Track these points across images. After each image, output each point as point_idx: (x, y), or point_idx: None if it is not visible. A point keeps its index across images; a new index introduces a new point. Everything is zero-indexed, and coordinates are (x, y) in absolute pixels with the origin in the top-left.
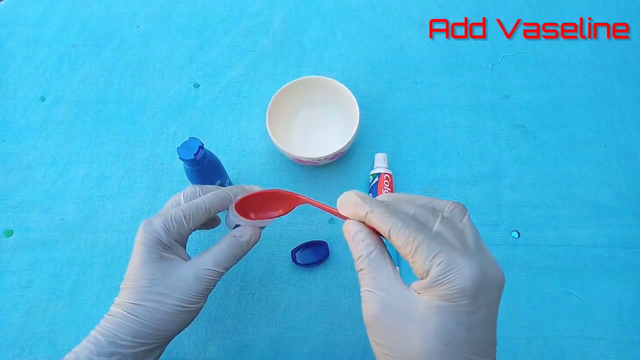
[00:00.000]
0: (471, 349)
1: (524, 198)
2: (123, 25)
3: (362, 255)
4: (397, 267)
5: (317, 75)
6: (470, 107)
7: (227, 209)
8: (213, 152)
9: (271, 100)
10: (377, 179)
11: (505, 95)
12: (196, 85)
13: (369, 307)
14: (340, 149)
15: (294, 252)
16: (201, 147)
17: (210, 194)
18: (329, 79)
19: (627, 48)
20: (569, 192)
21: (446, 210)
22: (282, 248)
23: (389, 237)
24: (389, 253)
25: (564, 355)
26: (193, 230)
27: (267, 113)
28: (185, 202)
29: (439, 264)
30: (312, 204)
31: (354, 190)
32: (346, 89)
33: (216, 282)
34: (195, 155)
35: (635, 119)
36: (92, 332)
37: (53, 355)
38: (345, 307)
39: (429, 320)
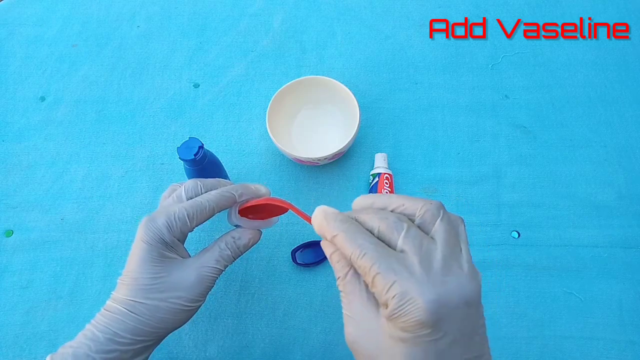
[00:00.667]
0: None
1: (524, 198)
2: (123, 25)
3: (339, 277)
4: None
5: (317, 75)
6: (470, 107)
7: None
8: (213, 152)
9: (271, 100)
10: (377, 179)
11: (505, 95)
12: (196, 85)
13: (346, 331)
14: (340, 149)
15: (294, 252)
16: (201, 147)
17: (215, 193)
18: (329, 79)
19: (627, 48)
20: (569, 192)
21: (417, 214)
22: (282, 248)
23: (354, 262)
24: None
25: (564, 355)
26: (194, 228)
27: (267, 113)
28: (187, 197)
29: (393, 296)
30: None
31: (322, 207)
32: (346, 88)
33: (216, 280)
34: (195, 155)
35: (635, 119)
36: (88, 327)
37: None
38: None
39: (394, 350)
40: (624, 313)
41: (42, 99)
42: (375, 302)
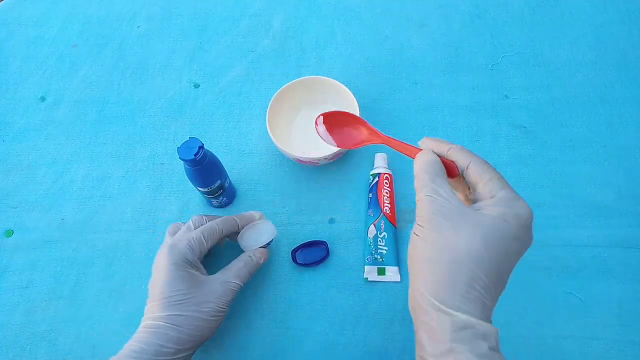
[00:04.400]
0: (499, 268)
1: (523, 198)
2: (123, 25)
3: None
4: (397, 267)
5: (317, 75)
6: (470, 107)
7: (237, 235)
8: (213, 152)
9: (271, 100)
10: (377, 179)
11: (505, 95)
12: (196, 86)
13: (427, 208)
14: (340, 149)
15: (294, 252)
16: (201, 147)
17: (220, 218)
18: (329, 79)
19: (627, 48)
20: (569, 192)
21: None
22: (282, 248)
23: (466, 169)
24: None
25: (563, 355)
26: (209, 250)
27: (267, 113)
28: (195, 227)
29: (506, 193)
30: (390, 145)
31: (434, 139)
32: (346, 89)
33: (237, 293)
34: (195, 155)
35: (635, 119)
36: (132, 343)
37: (53, 356)
38: (345, 307)
39: (483, 225)
40: (624, 313)
41: (42, 99)
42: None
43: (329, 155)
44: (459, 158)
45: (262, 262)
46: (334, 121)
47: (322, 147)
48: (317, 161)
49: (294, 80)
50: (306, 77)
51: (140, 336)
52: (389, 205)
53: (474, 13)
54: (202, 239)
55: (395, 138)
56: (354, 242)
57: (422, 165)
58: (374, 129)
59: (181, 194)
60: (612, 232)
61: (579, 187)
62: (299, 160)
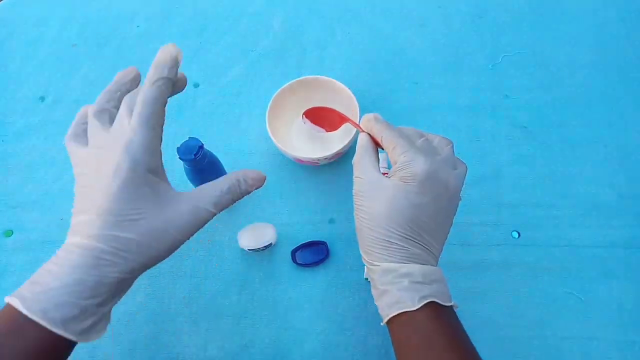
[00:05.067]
0: (412, 221)
1: (524, 198)
2: (123, 25)
3: (358, 150)
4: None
5: (317, 75)
6: (470, 107)
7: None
8: (213, 152)
9: (271, 100)
10: None
11: (505, 95)
12: (196, 85)
13: (354, 188)
14: (340, 149)
15: (294, 252)
16: (201, 147)
17: (148, 87)
18: (329, 78)
19: (627, 48)
20: (569, 192)
21: (435, 139)
22: (282, 248)
23: (381, 142)
24: (376, 156)
25: (564, 355)
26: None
27: (267, 113)
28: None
29: (404, 156)
30: (351, 123)
31: (374, 114)
32: (346, 89)
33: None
34: (195, 155)
35: (635, 119)
36: (64, 268)
37: None
38: (345, 307)
39: (388, 191)
40: (624, 313)
41: (42, 99)
42: (378, 168)
43: (329, 156)
44: (376, 134)
45: (252, 190)
46: (317, 115)
47: (322, 147)
48: (317, 161)
49: (294, 80)
50: (306, 77)
51: (74, 259)
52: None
53: (474, 13)
54: (159, 130)
55: (354, 120)
56: (354, 242)
57: (357, 149)
58: (342, 115)
59: None
60: (613, 232)
61: (579, 187)
62: (299, 160)
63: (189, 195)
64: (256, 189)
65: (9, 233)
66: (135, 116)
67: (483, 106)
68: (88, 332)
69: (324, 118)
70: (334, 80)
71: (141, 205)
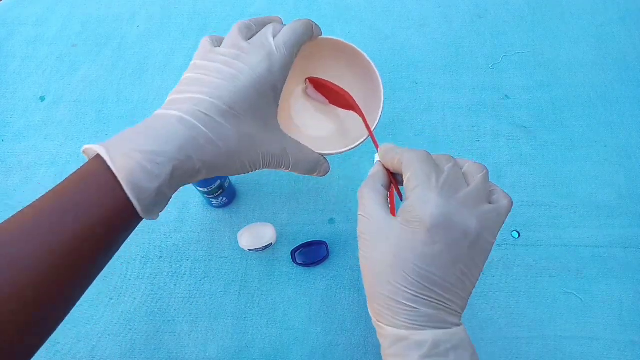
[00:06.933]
0: (421, 276)
1: (524, 198)
2: (123, 25)
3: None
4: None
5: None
6: (470, 107)
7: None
8: None
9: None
10: None
11: (505, 95)
12: None
13: (358, 228)
14: (340, 150)
15: (294, 252)
16: None
17: (300, 22)
18: (335, 39)
19: (627, 48)
20: (569, 192)
21: (465, 165)
22: (282, 248)
23: (400, 165)
24: (386, 192)
25: (564, 355)
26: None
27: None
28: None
29: (414, 193)
30: (367, 129)
31: (390, 144)
32: (364, 55)
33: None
34: None
35: (635, 119)
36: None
37: (53, 356)
38: (345, 307)
39: (392, 237)
40: (624, 313)
41: (42, 99)
42: (386, 207)
43: (329, 155)
44: (394, 157)
45: (317, 172)
46: (323, 89)
47: (323, 147)
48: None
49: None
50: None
51: (173, 131)
52: (389, 205)
53: (474, 13)
54: (293, 61)
55: (372, 131)
56: (354, 242)
57: (367, 179)
58: (356, 106)
59: (180, 194)
60: (613, 232)
61: (579, 187)
62: None
63: (285, 137)
64: (317, 174)
65: None
66: (280, 38)
67: (483, 106)
68: (151, 209)
69: (330, 94)
70: (355, 48)
71: (251, 111)
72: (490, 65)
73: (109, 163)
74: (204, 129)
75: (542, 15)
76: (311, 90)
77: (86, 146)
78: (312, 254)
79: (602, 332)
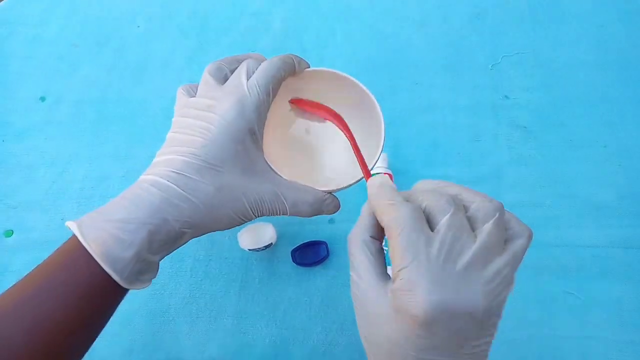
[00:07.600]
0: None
1: (524, 198)
2: (123, 25)
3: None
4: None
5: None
6: (470, 107)
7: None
8: None
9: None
10: None
11: (505, 95)
12: None
13: (351, 290)
14: (339, 187)
15: (294, 252)
16: None
17: (278, 58)
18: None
19: (627, 48)
20: (569, 192)
21: (473, 206)
22: (282, 248)
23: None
24: (380, 243)
25: (563, 355)
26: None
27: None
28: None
29: (400, 279)
30: (358, 159)
31: (382, 177)
32: (369, 94)
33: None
34: None
35: (635, 119)
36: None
37: None
38: (345, 307)
39: (383, 317)
40: (624, 313)
41: (42, 99)
42: (378, 264)
43: (334, 191)
44: (383, 213)
45: (324, 211)
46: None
47: (332, 180)
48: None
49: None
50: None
51: (144, 197)
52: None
53: (473, 13)
54: (270, 100)
55: (361, 155)
56: None
57: (353, 229)
58: (341, 121)
59: None
60: (612, 232)
61: (579, 187)
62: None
63: (276, 180)
64: (328, 211)
65: (9, 233)
66: (254, 78)
67: (483, 106)
68: (134, 278)
69: (319, 109)
70: (350, 77)
71: (229, 161)
72: (490, 66)
73: (80, 238)
74: (177, 188)
75: (542, 16)
76: (298, 111)
77: (66, 223)
78: (312, 253)
79: (602, 332)
